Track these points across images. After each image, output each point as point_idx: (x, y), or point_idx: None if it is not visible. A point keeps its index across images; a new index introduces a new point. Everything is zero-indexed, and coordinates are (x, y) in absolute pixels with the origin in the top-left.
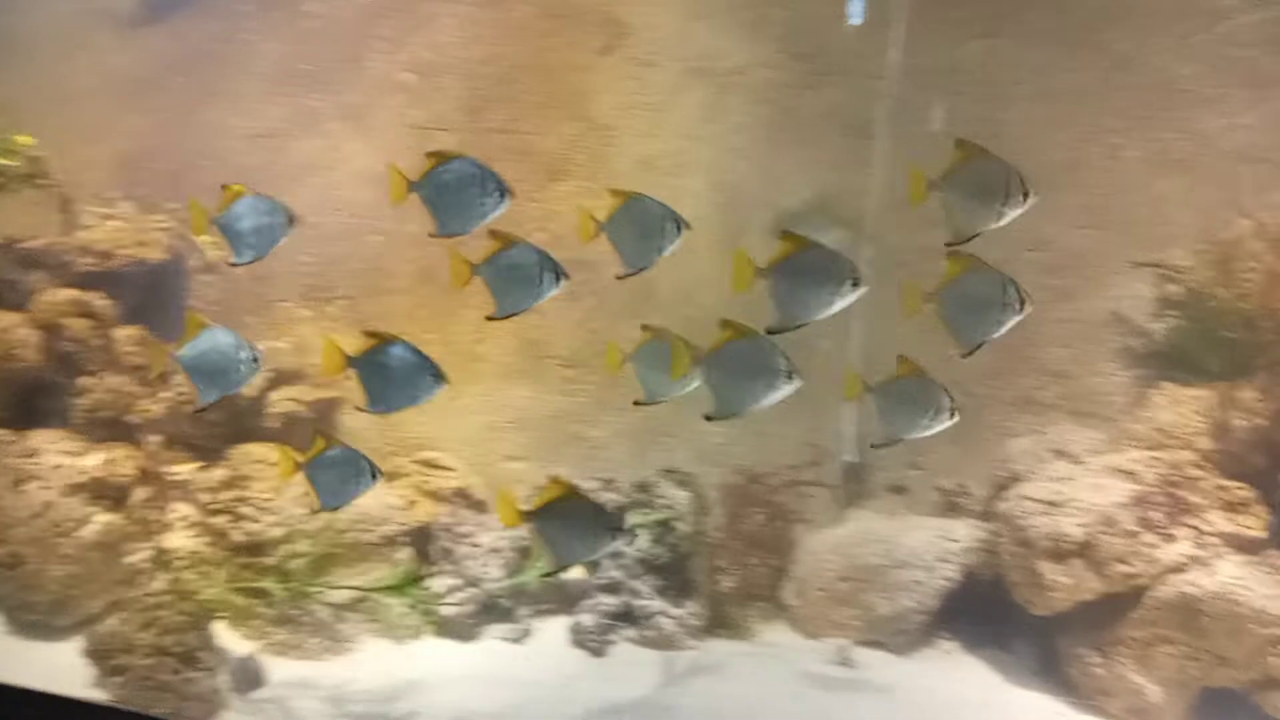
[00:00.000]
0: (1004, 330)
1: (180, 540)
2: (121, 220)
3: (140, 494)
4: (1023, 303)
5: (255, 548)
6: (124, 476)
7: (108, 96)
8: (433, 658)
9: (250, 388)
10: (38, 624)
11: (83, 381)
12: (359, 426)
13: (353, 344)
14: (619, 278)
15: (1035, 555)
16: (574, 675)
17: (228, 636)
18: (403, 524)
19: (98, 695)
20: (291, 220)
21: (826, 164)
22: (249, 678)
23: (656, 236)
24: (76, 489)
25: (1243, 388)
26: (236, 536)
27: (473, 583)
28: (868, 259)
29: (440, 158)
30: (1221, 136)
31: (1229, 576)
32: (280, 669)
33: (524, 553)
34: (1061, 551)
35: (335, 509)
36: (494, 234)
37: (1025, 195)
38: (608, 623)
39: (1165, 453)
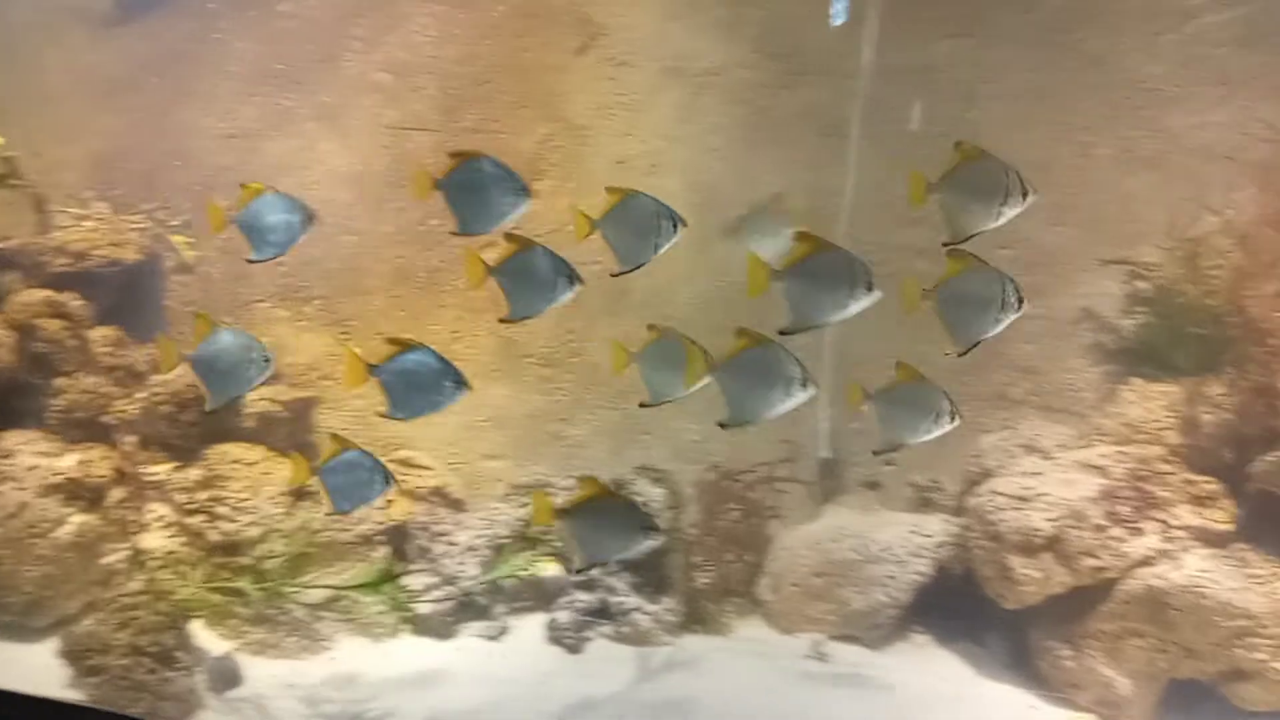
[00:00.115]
0: (1000, 329)
1: (157, 540)
2: (96, 221)
3: (116, 494)
4: (1020, 301)
5: (232, 547)
6: (100, 477)
7: (81, 96)
8: (410, 655)
9: None
10: (13, 625)
11: (58, 382)
12: (337, 425)
13: (376, 352)
14: (614, 275)
15: (1006, 549)
16: (550, 672)
17: (205, 636)
18: (380, 523)
19: (74, 696)
20: (310, 218)
21: (802, 163)
22: (226, 677)
23: (652, 234)
24: (52, 490)
25: (1210, 383)
26: (213, 536)
27: (449, 581)
28: None
29: (463, 156)
30: (1189, 135)
31: (1196, 570)
32: (257, 668)
33: (499, 550)
34: (1031, 546)
35: (347, 512)
36: (509, 237)
37: (1024, 194)
38: (584, 619)
39: (1134, 448)
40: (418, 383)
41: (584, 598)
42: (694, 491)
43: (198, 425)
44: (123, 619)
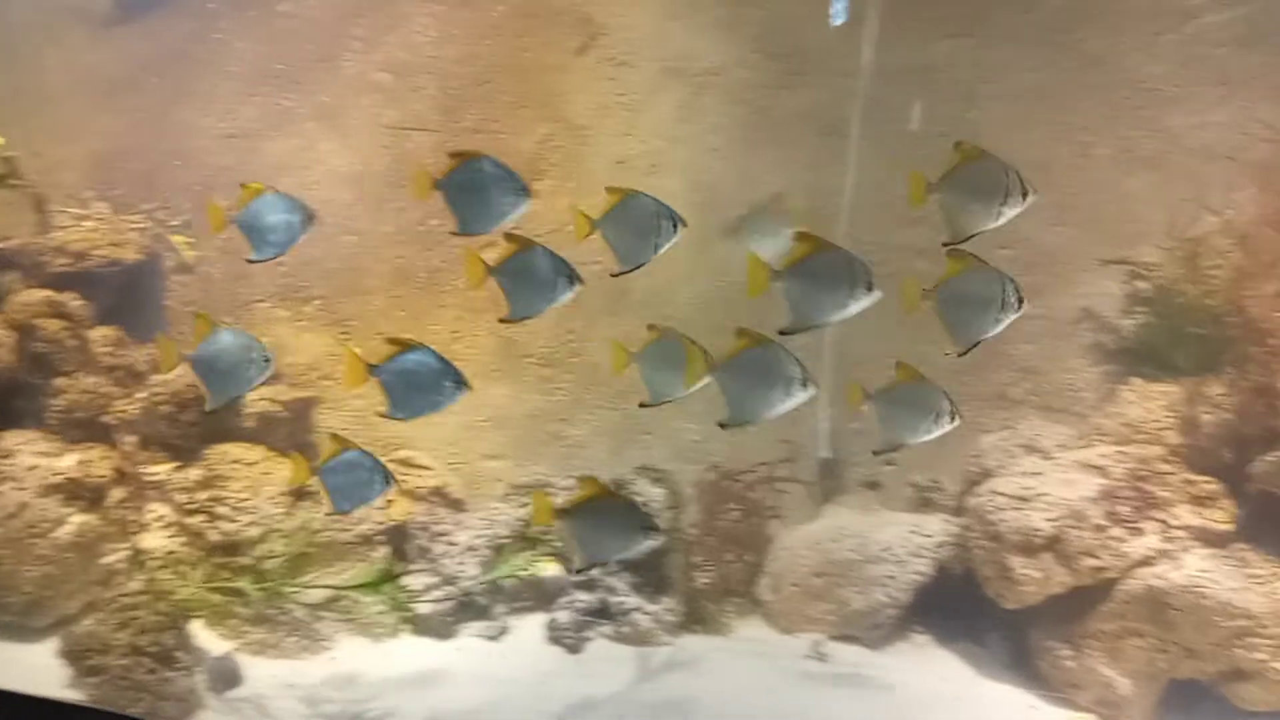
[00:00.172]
0: (1000, 329)
1: (157, 540)
2: (96, 221)
3: (116, 494)
4: (1020, 302)
5: (232, 547)
6: (100, 477)
7: (81, 96)
8: (410, 655)
9: None
10: (12, 625)
11: (58, 382)
12: (337, 425)
13: (375, 352)
14: (614, 275)
15: (1006, 549)
16: (550, 672)
17: (205, 636)
18: (380, 523)
19: (74, 696)
20: (310, 218)
21: (802, 163)
22: (226, 677)
23: (652, 234)
24: (52, 490)
25: (1210, 383)
26: (213, 536)
27: (449, 581)
28: None
29: (463, 157)
30: (1189, 135)
31: (1196, 570)
32: (257, 668)
33: (499, 550)
34: (1031, 546)
35: (347, 512)
36: (510, 237)
37: (1024, 194)
38: (584, 619)
39: (1134, 448)
40: (418, 383)
41: (584, 598)
42: (694, 491)
43: (198, 425)
44: (123, 619)
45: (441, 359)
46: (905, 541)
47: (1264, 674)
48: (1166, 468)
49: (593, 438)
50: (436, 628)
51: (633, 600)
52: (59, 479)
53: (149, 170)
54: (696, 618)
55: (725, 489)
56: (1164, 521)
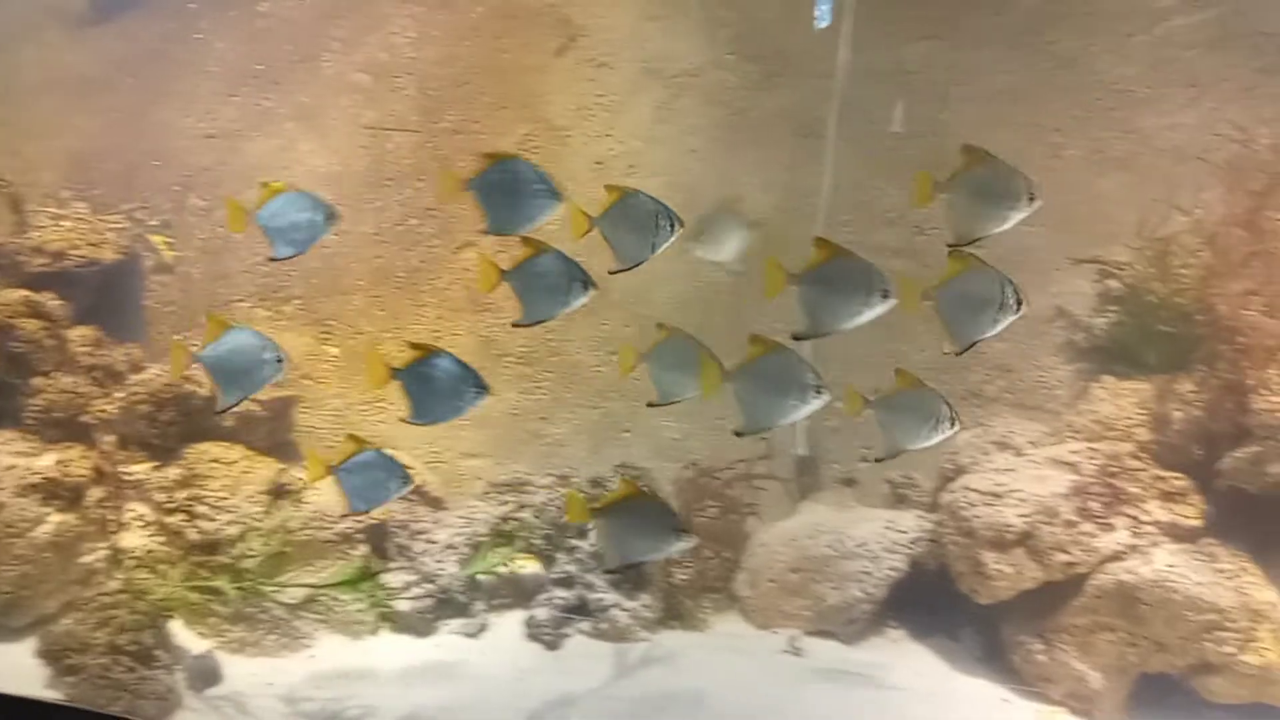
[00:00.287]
0: (999, 330)
1: (136, 539)
2: (74, 220)
3: (95, 494)
4: (1019, 303)
5: (211, 546)
6: (78, 476)
7: (58, 96)
8: (389, 653)
9: (204, 386)
10: None
11: (36, 382)
12: (317, 424)
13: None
14: (611, 273)
15: (979, 545)
16: (529, 669)
17: (184, 634)
18: (359, 521)
19: (52, 695)
20: (331, 216)
21: (779, 164)
22: (205, 675)
23: (650, 232)
24: (30, 489)
25: (1181, 380)
26: (192, 535)
27: (429, 578)
28: None
29: (494, 157)
30: (1160, 136)
31: (1166, 565)
32: (237, 666)
33: (477, 548)
34: (1004, 541)
35: (365, 512)
36: (525, 241)
37: (1031, 198)
38: (562, 616)
39: (1105, 444)
40: (440, 388)
41: (562, 594)
42: (673, 489)
43: (176, 425)
44: (101, 618)
45: (462, 364)
46: (880, 537)
47: (1232, 667)
48: (1137, 464)
49: (572, 436)
50: (416, 625)
51: (611, 597)
52: (37, 479)
53: (128, 170)
54: (674, 614)
55: (703, 486)
56: (1134, 517)
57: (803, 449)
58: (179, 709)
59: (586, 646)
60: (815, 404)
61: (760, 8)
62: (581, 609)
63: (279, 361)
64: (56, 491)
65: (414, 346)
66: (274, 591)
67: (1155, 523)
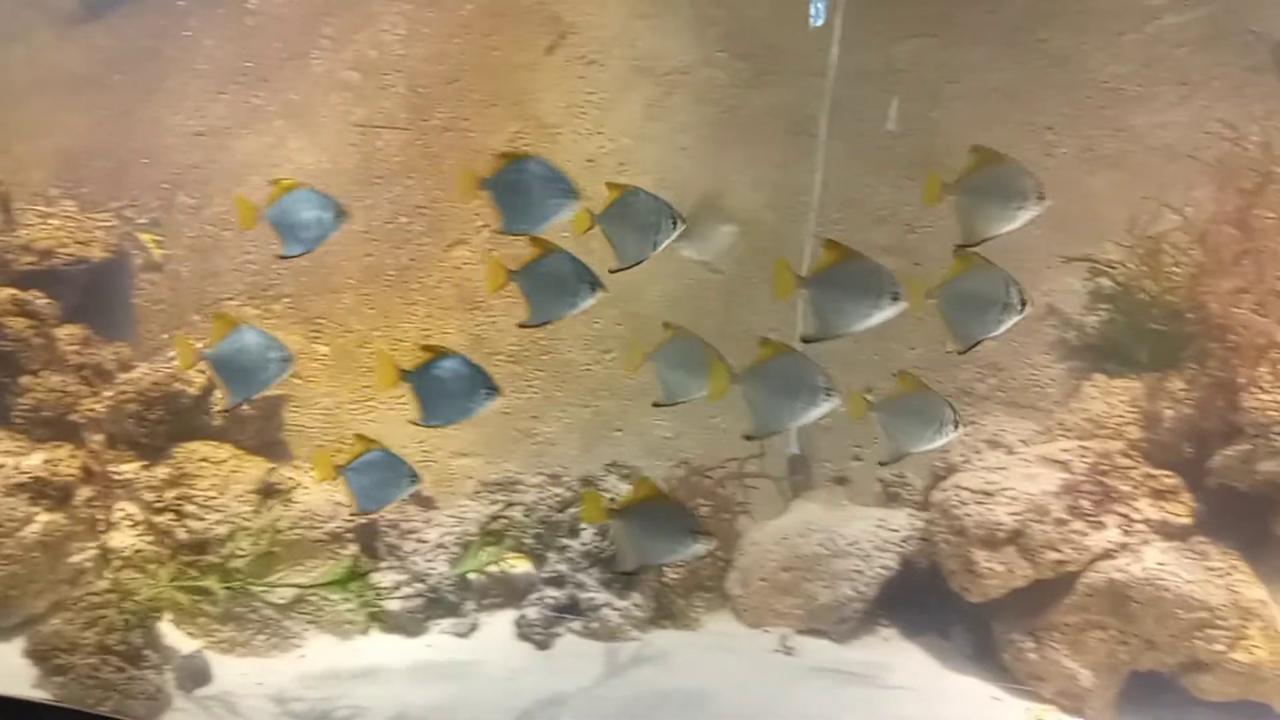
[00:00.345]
0: (1003, 330)
1: (125, 539)
2: (63, 219)
3: (84, 493)
4: (1023, 303)
5: (200, 546)
6: (67, 476)
7: (47, 94)
8: (379, 653)
9: (194, 385)
10: None
11: (24, 380)
12: (306, 423)
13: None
14: (612, 271)
15: (970, 543)
16: (520, 668)
17: (173, 634)
18: (349, 520)
19: (40, 695)
20: (340, 214)
21: (771, 162)
22: (194, 675)
23: (651, 230)
24: (18, 489)
25: (1171, 379)
26: (181, 535)
27: (419, 578)
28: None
29: (511, 157)
30: (1151, 134)
31: (1156, 563)
32: (226, 666)
33: (467, 547)
34: (995, 540)
35: (373, 512)
36: (534, 241)
37: (1041, 198)
38: (553, 615)
39: (1096, 442)
40: (450, 390)
41: (553, 594)
42: (664, 487)
43: (165, 424)
44: (90, 618)
45: (473, 365)
46: (872, 536)
47: (1222, 665)
48: (1128, 462)
49: (563, 435)
50: (406, 625)
51: (602, 596)
52: (25, 478)
53: (116, 168)
54: (665, 613)
55: (695, 485)
56: (1125, 515)
57: (794, 448)
58: (168, 709)
59: (577, 646)
60: (826, 406)
61: (750, 5)
62: (573, 608)
63: (285, 360)
64: (45, 491)
65: (424, 348)
66: (263, 591)
67: (1146, 521)
